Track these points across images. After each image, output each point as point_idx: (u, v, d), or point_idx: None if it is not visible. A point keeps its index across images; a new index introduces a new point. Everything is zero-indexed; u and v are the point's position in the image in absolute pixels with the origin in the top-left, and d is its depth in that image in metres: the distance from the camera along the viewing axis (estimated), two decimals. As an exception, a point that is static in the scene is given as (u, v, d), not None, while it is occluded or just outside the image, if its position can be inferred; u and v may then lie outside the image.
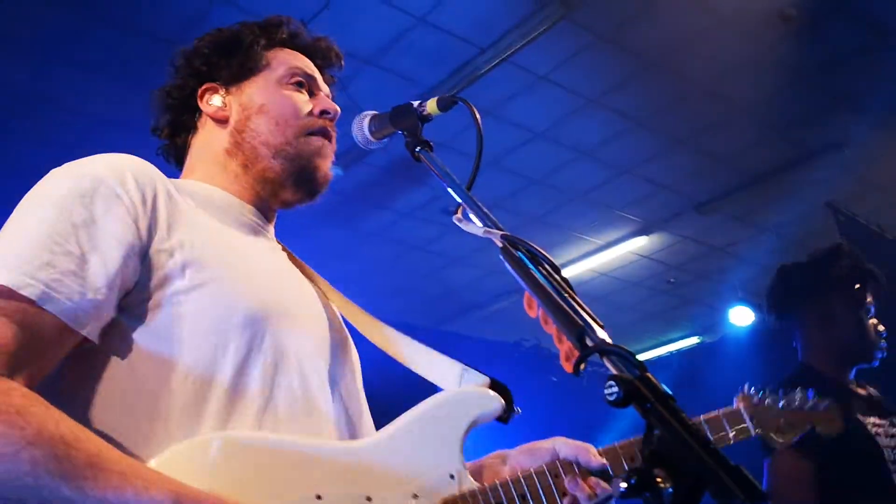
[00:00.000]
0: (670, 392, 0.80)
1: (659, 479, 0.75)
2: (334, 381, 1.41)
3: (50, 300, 1.12)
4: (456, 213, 1.20)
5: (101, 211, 1.21)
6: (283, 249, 1.59)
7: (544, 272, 1.01)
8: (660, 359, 10.84)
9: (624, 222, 8.19)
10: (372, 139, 1.45)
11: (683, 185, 7.56)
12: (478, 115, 1.28)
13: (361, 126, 1.45)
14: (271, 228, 1.58)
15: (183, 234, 1.29)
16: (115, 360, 1.22)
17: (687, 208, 7.94)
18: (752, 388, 1.80)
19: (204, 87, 1.57)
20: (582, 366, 0.90)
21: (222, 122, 1.55)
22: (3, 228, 1.22)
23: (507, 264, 1.05)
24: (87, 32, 5.12)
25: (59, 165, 1.30)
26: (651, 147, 6.94)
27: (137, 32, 5.17)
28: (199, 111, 1.58)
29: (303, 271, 1.58)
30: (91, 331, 1.17)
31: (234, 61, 1.56)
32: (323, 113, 1.54)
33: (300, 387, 1.32)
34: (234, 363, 1.25)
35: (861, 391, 2.77)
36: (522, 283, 1.02)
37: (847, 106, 6.46)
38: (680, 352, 10.83)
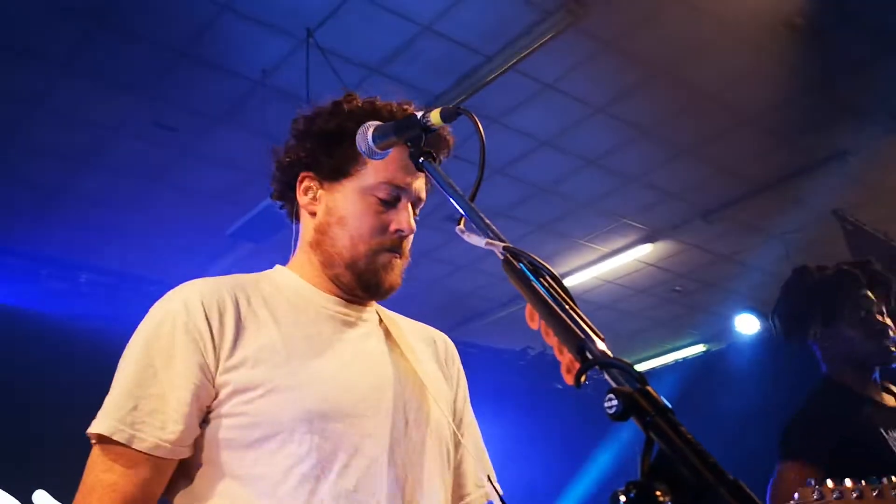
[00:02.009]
0: (670, 405, 0.80)
1: (658, 494, 0.75)
2: (398, 469, 1.45)
3: (137, 440, 1.34)
4: (459, 223, 1.21)
5: (176, 349, 1.40)
6: (385, 325, 1.64)
7: (546, 284, 1.01)
8: (666, 367, 10.82)
9: (630, 230, 8.18)
10: (376, 149, 1.46)
11: (690, 194, 7.56)
12: (481, 127, 1.29)
13: (366, 136, 1.46)
14: (367, 310, 1.64)
15: (247, 348, 1.42)
16: (201, 470, 1.42)
17: (693, 216, 7.93)
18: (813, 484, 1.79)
19: (302, 175, 1.63)
20: (583, 378, 0.90)
21: (312, 216, 1.63)
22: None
23: (508, 276, 1.05)
24: (97, 42, 5.15)
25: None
26: (658, 155, 6.94)
27: (146, 41, 5.19)
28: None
29: (402, 344, 1.61)
30: (181, 452, 1.39)
31: (332, 159, 1.60)
32: (397, 231, 1.58)
33: (351, 484, 1.38)
34: (283, 466, 1.36)
35: (889, 398, 2.75)
36: (524, 295, 1.02)
37: (853, 114, 6.46)
38: (686, 360, 10.81)
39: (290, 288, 1.57)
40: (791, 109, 6.37)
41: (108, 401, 1.39)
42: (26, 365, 5.92)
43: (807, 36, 5.56)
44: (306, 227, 1.63)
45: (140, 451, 1.34)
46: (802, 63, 5.86)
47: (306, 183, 1.62)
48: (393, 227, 1.57)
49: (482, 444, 1.73)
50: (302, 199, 1.62)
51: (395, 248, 1.59)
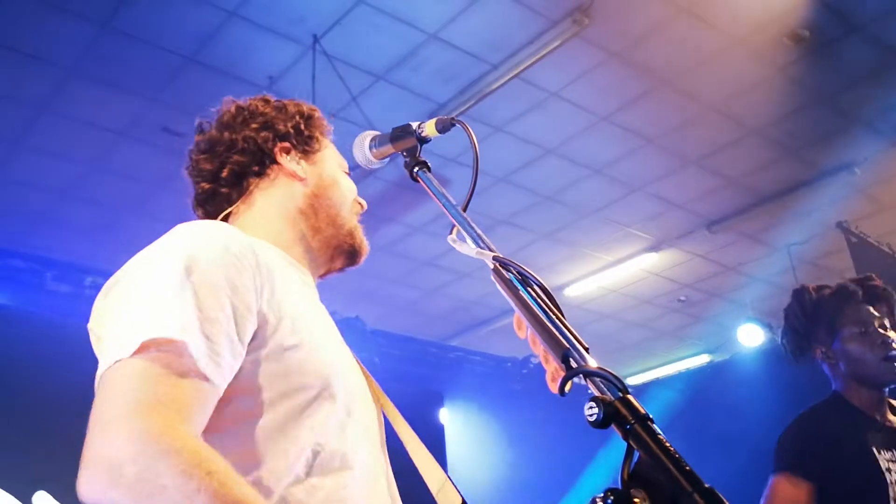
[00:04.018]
0: (651, 415, 0.82)
1: (637, 500, 0.76)
2: (380, 436, 1.49)
3: (210, 358, 1.15)
4: (451, 233, 1.23)
5: (235, 275, 1.26)
6: None
7: (534, 294, 1.03)
8: (669, 377, 10.80)
9: (635, 239, 8.19)
10: (373, 159, 1.49)
11: (695, 204, 7.57)
12: (474, 138, 1.31)
13: (362, 146, 1.48)
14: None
15: (275, 297, 1.33)
16: (234, 412, 1.25)
17: (698, 227, 7.94)
18: None
19: (282, 144, 1.65)
20: (567, 386, 0.92)
21: (297, 183, 1.64)
22: (151, 286, 1.24)
23: (497, 285, 1.07)
24: (105, 47, 5.19)
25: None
26: (663, 165, 6.96)
27: (154, 47, 5.23)
28: (271, 163, 1.65)
29: None
30: (222, 390, 1.21)
31: (305, 133, 1.68)
32: (359, 202, 1.70)
33: (369, 454, 1.39)
34: (325, 410, 1.31)
35: (892, 419, 2.73)
36: (512, 304, 1.04)
37: (859, 127, 6.47)
38: (690, 370, 10.79)
39: (277, 253, 1.54)
40: (796, 121, 6.39)
41: (161, 308, 1.18)
42: (29, 368, 5.94)
43: (812, 48, 5.58)
44: (290, 193, 1.63)
45: (205, 374, 1.14)
46: (808, 75, 5.88)
47: (294, 154, 1.66)
48: (356, 195, 1.69)
49: None
50: (291, 164, 1.64)
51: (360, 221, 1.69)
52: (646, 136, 6.56)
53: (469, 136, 1.31)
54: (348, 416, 1.36)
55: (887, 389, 2.72)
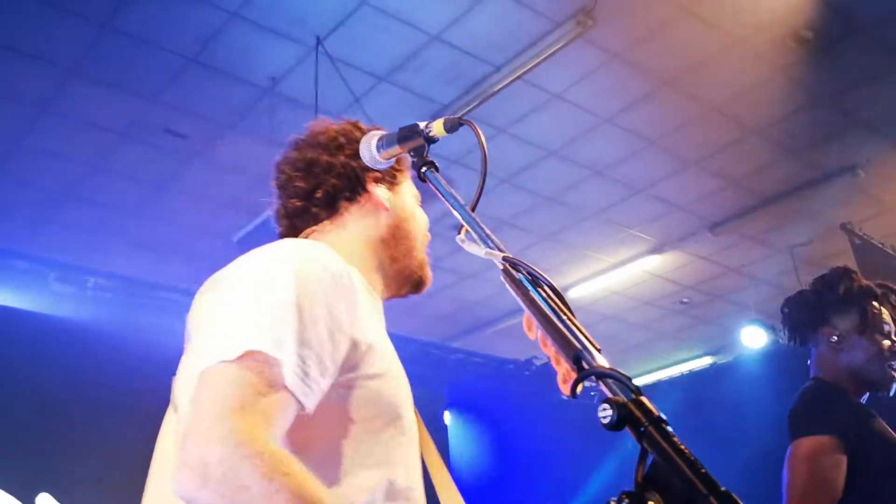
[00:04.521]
0: (665, 417, 0.81)
1: (651, 503, 0.75)
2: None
3: (302, 381, 1.22)
4: (459, 233, 1.22)
5: (328, 302, 1.31)
6: None
7: (544, 294, 1.02)
8: (672, 379, 10.79)
9: (637, 241, 8.18)
10: (379, 159, 1.48)
11: (698, 205, 7.56)
12: (482, 138, 1.30)
13: (369, 146, 1.48)
14: None
15: (362, 324, 1.39)
16: (313, 434, 1.31)
17: (701, 228, 7.93)
18: None
19: (373, 173, 1.72)
20: (578, 388, 0.91)
21: (382, 211, 1.72)
22: (249, 300, 1.30)
23: (507, 286, 1.06)
24: (106, 47, 5.18)
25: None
26: (665, 167, 6.95)
27: (155, 48, 5.23)
28: (363, 191, 1.72)
29: None
30: (311, 409, 1.26)
31: (392, 164, 1.69)
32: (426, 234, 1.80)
33: (415, 479, 1.44)
34: (385, 450, 1.37)
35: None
36: (522, 305, 1.03)
37: (862, 128, 6.46)
38: (692, 372, 10.78)
39: (359, 279, 1.57)
40: (799, 122, 6.38)
41: (262, 321, 1.24)
42: (32, 369, 5.94)
43: (815, 49, 5.57)
44: (375, 221, 1.71)
45: (291, 390, 1.20)
46: (811, 76, 5.87)
47: (377, 182, 1.74)
48: (426, 228, 1.79)
49: None
50: (382, 193, 1.72)
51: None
52: (648, 138, 6.56)
53: (477, 135, 1.30)
54: (410, 446, 1.44)
55: (866, 396, 2.70)
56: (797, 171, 7.04)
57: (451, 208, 1.26)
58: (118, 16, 4.97)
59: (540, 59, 5.44)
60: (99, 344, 6.14)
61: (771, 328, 8.61)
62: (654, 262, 8.54)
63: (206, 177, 6.55)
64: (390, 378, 1.41)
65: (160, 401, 1.51)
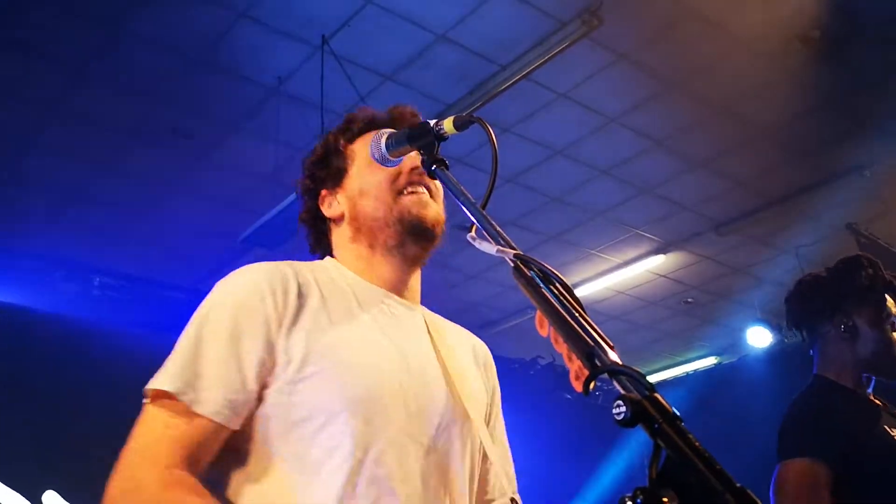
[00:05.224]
0: (678, 413, 0.81)
1: (665, 500, 0.75)
2: (430, 466, 1.46)
3: (199, 403, 1.35)
4: (470, 231, 1.22)
5: (244, 321, 1.42)
6: (428, 325, 1.69)
7: (556, 291, 1.02)
8: (677, 379, 10.78)
9: (643, 241, 8.17)
10: (389, 157, 1.48)
11: (703, 206, 7.55)
12: (493, 136, 1.30)
13: (379, 144, 1.48)
14: (413, 308, 1.70)
15: (301, 330, 1.44)
16: (249, 445, 1.43)
17: (707, 228, 7.92)
18: None
19: (320, 197, 1.74)
20: (592, 385, 0.91)
21: (341, 219, 1.72)
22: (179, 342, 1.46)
23: (518, 283, 1.06)
24: (114, 48, 5.19)
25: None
26: (671, 167, 6.94)
27: (162, 48, 5.24)
28: (325, 219, 1.76)
29: (444, 346, 1.66)
30: (236, 423, 1.39)
31: (331, 167, 1.73)
32: (412, 171, 1.63)
33: (384, 472, 1.40)
34: (325, 447, 1.38)
35: (879, 403, 2.67)
36: (534, 302, 1.03)
37: (868, 128, 6.44)
38: (697, 372, 10.77)
39: (344, 278, 1.62)
40: (806, 123, 6.36)
41: (173, 360, 1.40)
42: (37, 367, 5.94)
43: (822, 50, 5.56)
44: (342, 233, 1.70)
45: (200, 415, 1.34)
46: (817, 77, 5.86)
47: (326, 200, 1.73)
48: (404, 169, 1.63)
49: (509, 455, 1.80)
50: (329, 212, 1.72)
51: (416, 183, 1.64)
52: (654, 138, 6.55)
53: (487, 132, 1.30)
54: (410, 437, 1.43)
55: (872, 384, 2.66)
56: (803, 172, 7.02)
57: (462, 206, 1.26)
58: (126, 17, 4.98)
59: (546, 58, 5.43)
60: (105, 342, 6.14)
61: (776, 328, 8.59)
62: (660, 262, 8.53)
63: (212, 176, 6.56)
64: (322, 378, 1.41)
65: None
